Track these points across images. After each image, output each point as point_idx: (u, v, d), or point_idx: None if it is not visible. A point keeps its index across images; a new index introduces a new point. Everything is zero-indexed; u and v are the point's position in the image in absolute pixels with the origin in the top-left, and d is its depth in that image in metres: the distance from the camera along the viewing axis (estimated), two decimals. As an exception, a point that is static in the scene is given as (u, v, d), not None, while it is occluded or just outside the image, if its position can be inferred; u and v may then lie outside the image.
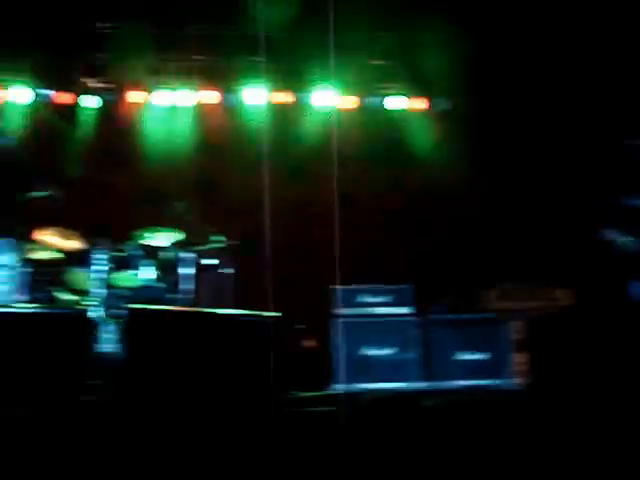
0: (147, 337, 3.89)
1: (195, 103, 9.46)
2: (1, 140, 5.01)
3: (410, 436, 4.39)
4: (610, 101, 8.20)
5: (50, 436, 3.52)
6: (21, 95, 8.99)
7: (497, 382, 6.87)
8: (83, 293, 7.02)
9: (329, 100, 9.49)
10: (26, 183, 5.36)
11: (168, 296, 7.21)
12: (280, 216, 9.07)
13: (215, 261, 7.58)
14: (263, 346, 4.05)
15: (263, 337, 4.08)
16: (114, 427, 3.80)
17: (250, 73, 9.33)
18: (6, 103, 8.94)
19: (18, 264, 4.92)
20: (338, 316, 7.10)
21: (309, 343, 8.03)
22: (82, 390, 3.80)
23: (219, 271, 7.56)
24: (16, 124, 8.55)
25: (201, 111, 9.50)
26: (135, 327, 3.91)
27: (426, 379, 7.01)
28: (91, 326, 4.21)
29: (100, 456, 3.63)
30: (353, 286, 7.25)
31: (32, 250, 6.77)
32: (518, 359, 6.82)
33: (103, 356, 4.96)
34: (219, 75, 9.39)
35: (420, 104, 9.86)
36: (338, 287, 7.18)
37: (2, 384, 3.52)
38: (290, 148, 9.42)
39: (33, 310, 4.53)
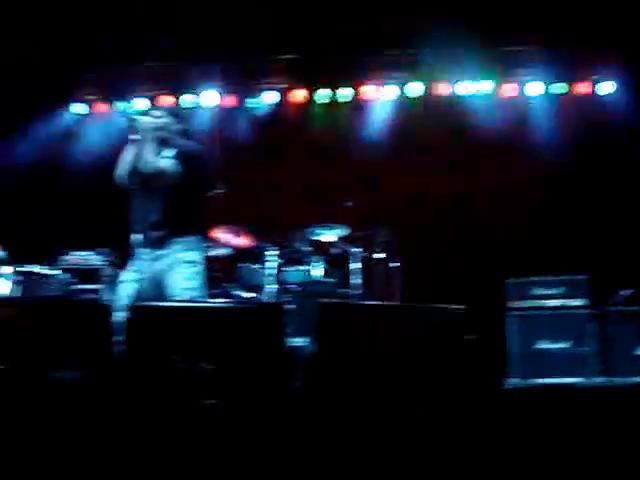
0: (341, 330, 3.96)
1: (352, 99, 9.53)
2: (190, 144, 5.20)
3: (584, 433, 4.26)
4: None
5: (262, 430, 3.62)
6: (210, 99, 9.43)
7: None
8: (257, 289, 7.24)
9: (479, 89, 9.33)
10: (210, 183, 5.57)
11: (339, 291, 7.30)
12: (442, 210, 9.16)
13: (383, 255, 7.60)
14: (456, 338, 4.04)
15: (455, 329, 4.05)
16: (307, 419, 3.88)
17: (408, 67, 9.31)
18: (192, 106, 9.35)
19: (204, 261, 5.10)
20: (511, 309, 6.99)
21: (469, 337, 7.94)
22: (282, 383, 3.90)
23: (388, 265, 7.58)
24: (200, 126, 8.91)
25: (359, 106, 9.55)
26: (328, 320, 3.98)
27: (603, 374, 6.80)
28: (284, 319, 4.32)
29: (301, 446, 3.71)
30: (526, 278, 7.12)
31: (207, 248, 7.06)
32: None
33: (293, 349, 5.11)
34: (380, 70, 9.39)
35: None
36: (510, 280, 7.08)
37: (218, 378, 3.67)
38: (451, 140, 9.33)
39: (228, 305, 4.71)
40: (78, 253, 6.84)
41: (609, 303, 7.01)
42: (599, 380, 6.73)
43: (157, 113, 5.15)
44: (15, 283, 5.69)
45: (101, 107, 9.59)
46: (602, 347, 6.85)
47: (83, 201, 8.73)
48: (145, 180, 4.99)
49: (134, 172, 4.96)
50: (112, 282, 6.17)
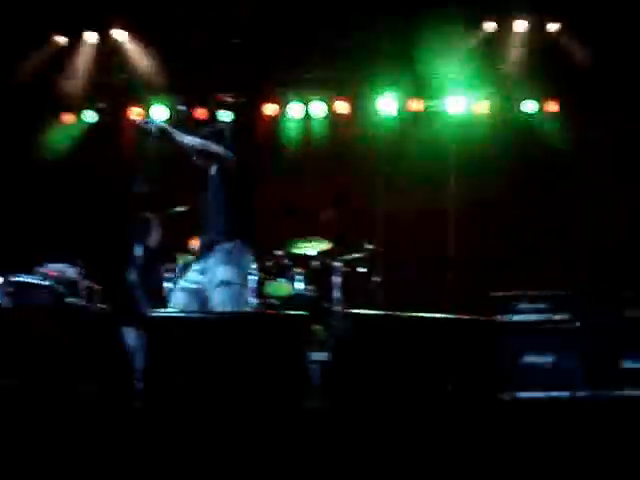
0: (369, 342, 3.86)
1: (326, 114, 9.49)
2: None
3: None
4: None
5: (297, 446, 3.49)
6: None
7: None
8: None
9: (460, 106, 9.42)
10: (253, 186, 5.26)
11: (319, 304, 7.21)
12: (415, 226, 9.17)
13: (364, 269, 7.53)
14: (484, 348, 3.98)
15: (484, 340, 4.00)
16: (332, 434, 3.77)
17: (381, 82, 9.33)
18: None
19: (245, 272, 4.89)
20: (499, 323, 6.97)
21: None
22: (303, 396, 3.77)
23: (369, 279, 7.51)
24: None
25: (333, 121, 9.51)
26: (358, 333, 3.88)
27: (588, 388, 6.82)
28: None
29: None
30: (511, 293, 7.12)
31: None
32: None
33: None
34: (350, 85, 9.39)
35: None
36: (496, 294, 7.07)
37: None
38: (421, 156, 9.36)
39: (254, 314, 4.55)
40: (53, 265, 6.55)
41: (593, 317, 7.05)
42: (583, 394, 6.76)
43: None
44: (5, 294, 5.40)
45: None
46: (586, 361, 6.88)
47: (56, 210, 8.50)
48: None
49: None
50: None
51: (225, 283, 4.62)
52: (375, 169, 9.34)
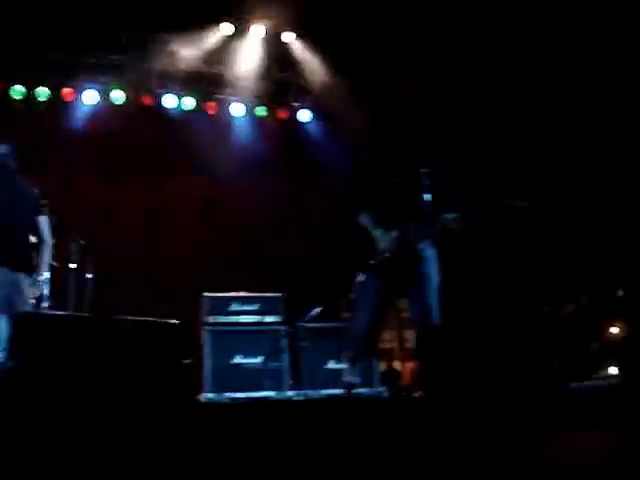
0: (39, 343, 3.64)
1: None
2: None
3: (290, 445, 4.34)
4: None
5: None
6: None
7: (368, 390, 6.97)
8: None
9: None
10: None
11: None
12: (137, 224, 8.96)
13: (74, 265, 7.13)
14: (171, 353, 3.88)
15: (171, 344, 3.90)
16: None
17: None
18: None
19: None
20: (207, 324, 6.96)
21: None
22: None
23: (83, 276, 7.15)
24: None
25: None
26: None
27: (295, 388, 7.02)
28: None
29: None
30: (223, 294, 7.14)
31: None
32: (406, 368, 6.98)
33: None
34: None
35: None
36: (207, 294, 7.05)
37: None
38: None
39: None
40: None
41: (301, 320, 7.27)
42: (291, 393, 6.94)
43: None
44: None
45: None
46: (294, 362, 7.08)
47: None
48: None
49: None
50: None
51: None
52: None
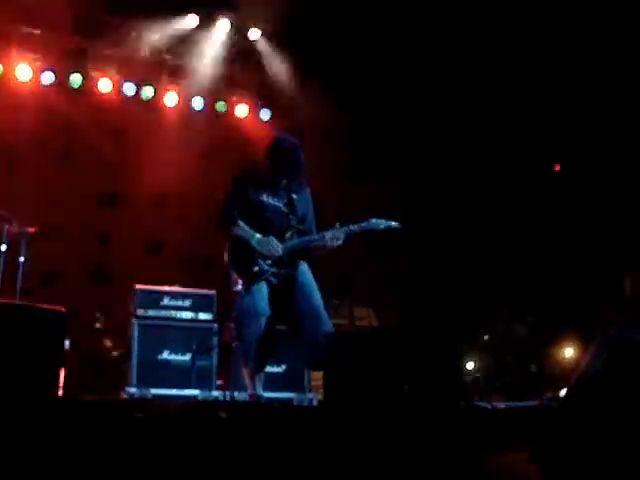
0: None
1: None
2: None
3: (207, 448, 4.22)
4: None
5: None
6: None
7: (294, 395, 6.87)
8: None
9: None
10: None
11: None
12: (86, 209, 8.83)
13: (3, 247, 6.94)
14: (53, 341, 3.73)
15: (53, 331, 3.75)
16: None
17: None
18: None
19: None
20: (137, 317, 6.82)
21: (108, 343, 7.72)
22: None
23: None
24: None
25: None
26: None
27: (222, 388, 6.89)
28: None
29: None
30: (155, 287, 7.00)
31: None
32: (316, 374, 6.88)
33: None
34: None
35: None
36: (139, 287, 6.91)
37: None
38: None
39: None
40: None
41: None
42: (217, 394, 6.81)
43: None
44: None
45: None
46: (223, 361, 6.95)
47: None
48: None
49: None
50: None
51: None
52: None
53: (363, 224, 5.06)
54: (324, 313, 5.03)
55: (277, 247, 4.94)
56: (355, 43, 8.91)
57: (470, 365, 8.07)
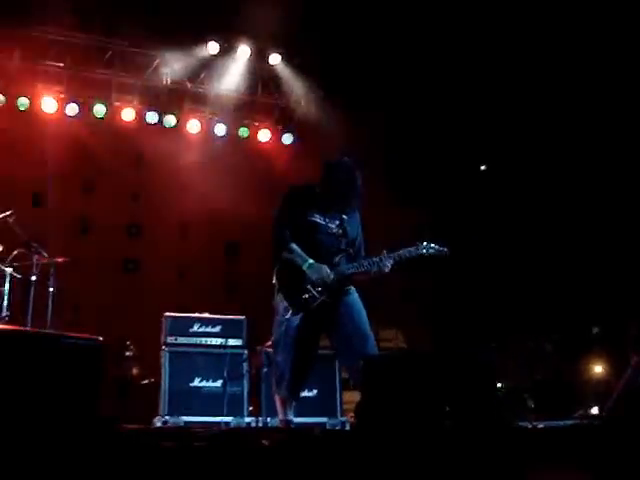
0: None
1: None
2: None
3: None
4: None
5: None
6: None
7: (327, 420, 6.81)
8: None
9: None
10: None
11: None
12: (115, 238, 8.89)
13: (33, 277, 6.97)
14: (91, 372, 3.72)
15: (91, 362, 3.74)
16: None
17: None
18: None
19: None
20: (167, 344, 6.80)
21: (138, 371, 7.73)
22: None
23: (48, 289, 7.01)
24: None
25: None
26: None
27: (254, 414, 6.85)
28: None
29: None
30: (185, 314, 6.99)
31: None
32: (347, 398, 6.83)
33: None
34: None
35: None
36: (169, 315, 6.90)
37: None
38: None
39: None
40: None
41: (263, 345, 7.10)
42: (249, 420, 6.77)
43: None
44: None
45: None
46: (254, 387, 6.91)
47: None
48: None
49: None
50: None
51: None
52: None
53: (412, 249, 4.87)
54: (371, 334, 4.88)
55: (328, 275, 4.79)
56: (375, 65, 8.95)
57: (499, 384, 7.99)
